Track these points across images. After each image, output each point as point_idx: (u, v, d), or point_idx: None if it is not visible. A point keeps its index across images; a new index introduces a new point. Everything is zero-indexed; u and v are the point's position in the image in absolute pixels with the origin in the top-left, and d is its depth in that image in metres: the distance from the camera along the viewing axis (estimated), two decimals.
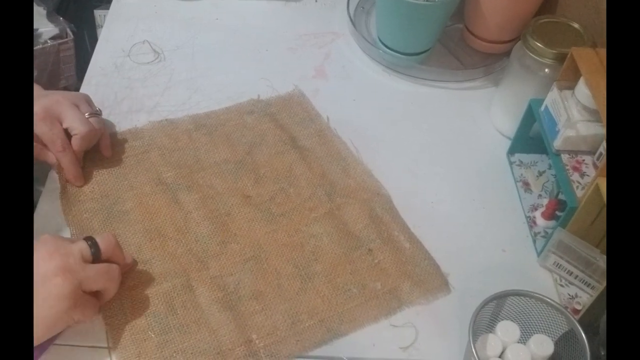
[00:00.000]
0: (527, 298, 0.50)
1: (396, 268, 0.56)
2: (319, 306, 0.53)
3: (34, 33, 0.96)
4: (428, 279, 0.56)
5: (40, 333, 0.45)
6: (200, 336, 0.50)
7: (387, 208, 0.61)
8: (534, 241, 0.60)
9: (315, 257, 0.57)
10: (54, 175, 0.61)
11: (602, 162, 0.52)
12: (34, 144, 0.58)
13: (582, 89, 0.55)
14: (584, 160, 0.56)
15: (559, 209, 0.60)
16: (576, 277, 0.56)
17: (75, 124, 0.58)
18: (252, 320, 0.52)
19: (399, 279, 0.55)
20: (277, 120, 0.69)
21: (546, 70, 0.62)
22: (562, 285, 0.57)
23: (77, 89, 0.71)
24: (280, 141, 0.66)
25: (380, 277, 0.56)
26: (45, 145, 0.58)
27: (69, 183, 0.60)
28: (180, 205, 0.59)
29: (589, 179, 0.55)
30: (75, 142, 0.58)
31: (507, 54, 0.69)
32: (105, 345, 0.50)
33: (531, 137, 0.66)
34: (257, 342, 0.51)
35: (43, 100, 0.57)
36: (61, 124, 0.58)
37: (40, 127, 0.56)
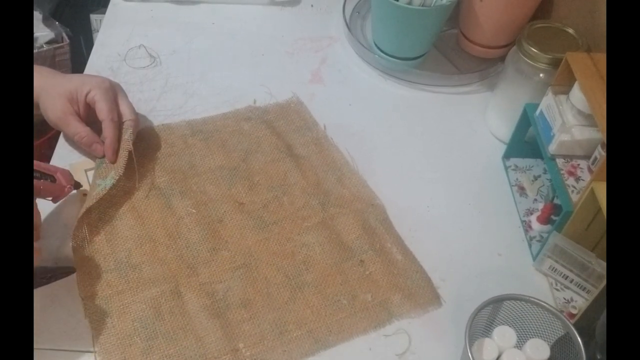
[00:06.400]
0: (523, 302, 0.50)
1: (387, 280, 0.55)
2: (307, 316, 0.53)
3: None
4: (419, 292, 0.55)
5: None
6: (187, 343, 0.50)
7: (381, 219, 0.60)
8: (530, 245, 0.60)
9: (306, 266, 0.56)
10: None
11: (597, 167, 0.52)
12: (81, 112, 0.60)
13: (576, 94, 0.54)
14: (579, 164, 0.56)
15: (555, 213, 0.60)
16: (572, 281, 0.55)
17: (130, 109, 0.62)
18: (240, 328, 0.51)
19: (389, 291, 0.55)
20: (274, 127, 0.68)
21: (541, 75, 0.62)
22: (557, 290, 0.56)
23: None
24: (276, 149, 0.65)
25: (371, 288, 0.55)
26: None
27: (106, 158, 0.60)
28: (172, 211, 0.59)
29: (584, 184, 0.54)
30: (127, 125, 0.61)
31: (502, 58, 0.69)
32: (91, 349, 0.50)
33: (526, 142, 0.65)
34: (243, 351, 0.50)
35: (105, 79, 0.62)
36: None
37: (107, 95, 0.60)
